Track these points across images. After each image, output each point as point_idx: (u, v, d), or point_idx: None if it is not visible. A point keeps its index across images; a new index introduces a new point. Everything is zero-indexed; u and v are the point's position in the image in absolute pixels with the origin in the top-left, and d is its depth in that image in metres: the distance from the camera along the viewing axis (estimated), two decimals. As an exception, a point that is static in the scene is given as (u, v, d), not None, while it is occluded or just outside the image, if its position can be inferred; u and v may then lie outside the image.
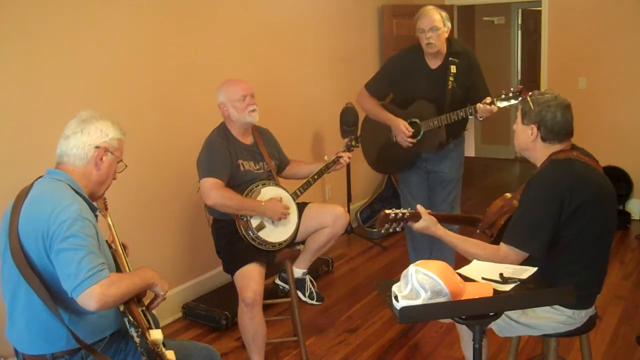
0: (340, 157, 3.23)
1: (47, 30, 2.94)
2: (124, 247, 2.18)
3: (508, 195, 2.46)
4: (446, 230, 2.35)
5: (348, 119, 4.80)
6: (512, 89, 3.11)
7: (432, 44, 3.31)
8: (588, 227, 2.13)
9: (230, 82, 3.03)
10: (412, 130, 3.41)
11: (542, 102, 2.18)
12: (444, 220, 2.44)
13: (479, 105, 3.16)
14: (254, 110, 2.96)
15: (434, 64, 3.43)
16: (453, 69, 3.36)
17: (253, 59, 4.22)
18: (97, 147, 1.97)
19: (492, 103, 3.13)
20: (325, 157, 3.28)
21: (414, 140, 3.42)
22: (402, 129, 3.40)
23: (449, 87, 3.36)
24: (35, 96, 2.92)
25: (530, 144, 2.23)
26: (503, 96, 3.11)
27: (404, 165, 3.63)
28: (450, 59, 3.38)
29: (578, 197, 2.10)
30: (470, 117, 3.30)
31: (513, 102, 3.07)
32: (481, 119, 3.24)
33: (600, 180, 2.21)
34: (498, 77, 8.14)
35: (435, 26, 3.29)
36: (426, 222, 2.33)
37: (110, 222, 2.17)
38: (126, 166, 2.10)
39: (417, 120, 3.42)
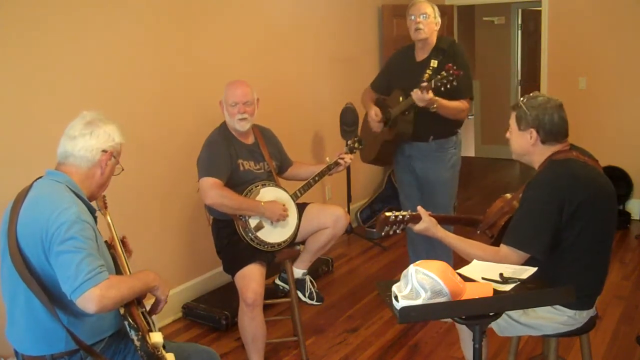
0: (342, 158, 3.23)
1: (47, 31, 2.94)
2: (124, 244, 2.18)
3: (508, 195, 2.46)
4: (446, 232, 2.35)
5: (348, 119, 4.80)
6: (443, 71, 3.14)
7: (420, 29, 3.36)
8: (588, 227, 2.13)
9: (232, 84, 3.02)
10: (380, 115, 3.50)
11: (537, 106, 2.19)
12: (444, 221, 2.44)
13: (414, 91, 3.16)
14: (243, 119, 2.96)
15: (420, 56, 3.49)
16: (434, 63, 3.38)
17: (253, 59, 4.22)
18: (104, 150, 1.98)
19: (425, 88, 3.11)
20: (327, 159, 3.28)
21: (380, 118, 3.49)
22: (370, 114, 3.55)
23: (424, 78, 3.32)
24: (35, 96, 2.92)
25: (530, 148, 2.23)
26: (438, 77, 3.14)
27: (387, 153, 3.67)
28: (434, 53, 3.42)
29: (577, 198, 2.09)
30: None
31: (445, 82, 3.10)
32: (432, 107, 3.20)
33: (600, 180, 2.21)
34: (498, 77, 8.16)
35: (426, 13, 3.37)
36: (426, 223, 2.33)
37: (109, 221, 2.16)
38: (122, 169, 2.09)
39: (390, 109, 3.48)
